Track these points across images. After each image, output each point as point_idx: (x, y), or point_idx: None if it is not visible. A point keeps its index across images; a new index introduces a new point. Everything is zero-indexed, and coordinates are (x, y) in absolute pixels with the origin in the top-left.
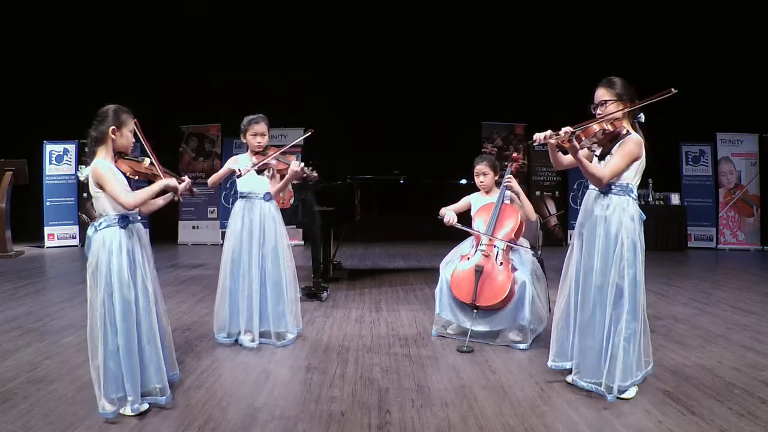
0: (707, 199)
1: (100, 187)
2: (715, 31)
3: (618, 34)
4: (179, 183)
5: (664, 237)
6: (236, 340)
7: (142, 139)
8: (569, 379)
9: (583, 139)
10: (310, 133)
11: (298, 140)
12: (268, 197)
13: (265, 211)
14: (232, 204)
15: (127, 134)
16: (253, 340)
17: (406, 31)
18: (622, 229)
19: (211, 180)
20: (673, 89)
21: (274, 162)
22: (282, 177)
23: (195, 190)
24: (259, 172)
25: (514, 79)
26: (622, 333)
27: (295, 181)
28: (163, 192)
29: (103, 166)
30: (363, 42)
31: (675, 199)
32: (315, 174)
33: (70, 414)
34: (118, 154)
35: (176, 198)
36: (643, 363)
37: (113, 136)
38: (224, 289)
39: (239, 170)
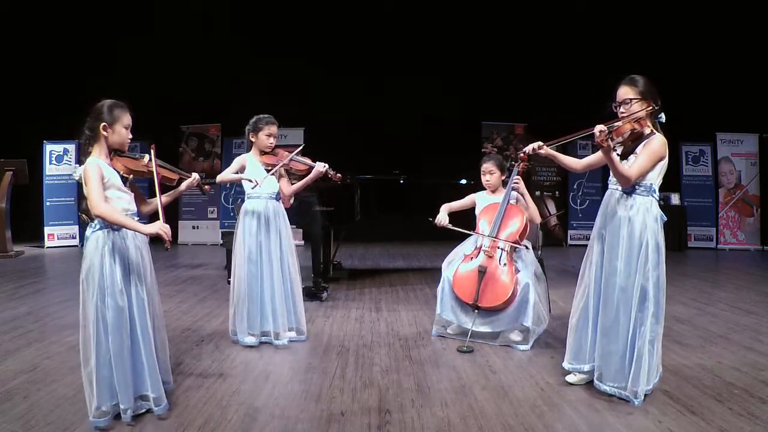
0: (707, 199)
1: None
2: (715, 32)
3: (618, 34)
4: (188, 179)
5: (664, 237)
6: (261, 341)
7: (154, 165)
8: (571, 379)
9: (614, 138)
10: (302, 146)
11: (292, 155)
12: (278, 196)
13: (278, 210)
14: (232, 204)
15: (120, 131)
16: (280, 338)
17: (406, 31)
18: (646, 231)
19: (219, 178)
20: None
21: (297, 164)
22: (296, 177)
23: (207, 187)
24: (269, 171)
25: (514, 79)
26: (646, 336)
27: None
28: (146, 233)
29: (91, 165)
30: (363, 42)
31: (675, 199)
32: (339, 175)
33: (70, 414)
34: (114, 152)
35: (165, 246)
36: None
37: (104, 133)
38: (243, 290)
39: (256, 181)
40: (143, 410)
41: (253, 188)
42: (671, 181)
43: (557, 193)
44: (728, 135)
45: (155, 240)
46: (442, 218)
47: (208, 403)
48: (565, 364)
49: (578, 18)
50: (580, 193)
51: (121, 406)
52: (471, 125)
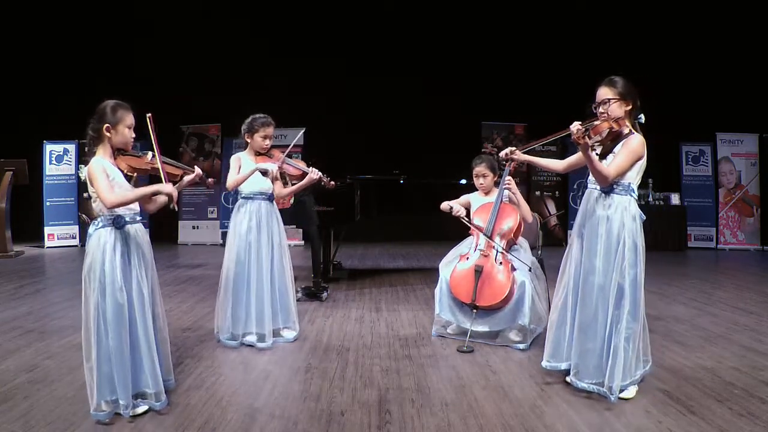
0: (707, 199)
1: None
2: (715, 32)
3: (618, 34)
4: (190, 175)
5: (664, 237)
6: (243, 342)
7: (152, 134)
8: (568, 379)
9: (591, 136)
10: (302, 131)
11: (294, 141)
12: (271, 197)
13: (271, 211)
14: (232, 204)
15: (123, 131)
16: (264, 340)
17: (407, 31)
18: (624, 229)
19: (233, 183)
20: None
21: (289, 168)
22: (285, 180)
23: (210, 180)
24: (264, 174)
25: (514, 79)
26: (622, 333)
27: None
28: (156, 193)
29: (95, 164)
30: (363, 42)
31: (675, 199)
32: (333, 183)
33: (70, 414)
34: (118, 151)
35: (171, 206)
36: (642, 362)
37: (108, 134)
38: (229, 290)
39: (271, 171)
40: (142, 406)
41: (268, 176)
42: (671, 181)
43: (557, 193)
44: (728, 135)
45: (156, 239)
46: (459, 209)
47: (208, 403)
48: (544, 363)
49: (578, 18)
50: (580, 193)
51: (120, 402)
52: (471, 125)
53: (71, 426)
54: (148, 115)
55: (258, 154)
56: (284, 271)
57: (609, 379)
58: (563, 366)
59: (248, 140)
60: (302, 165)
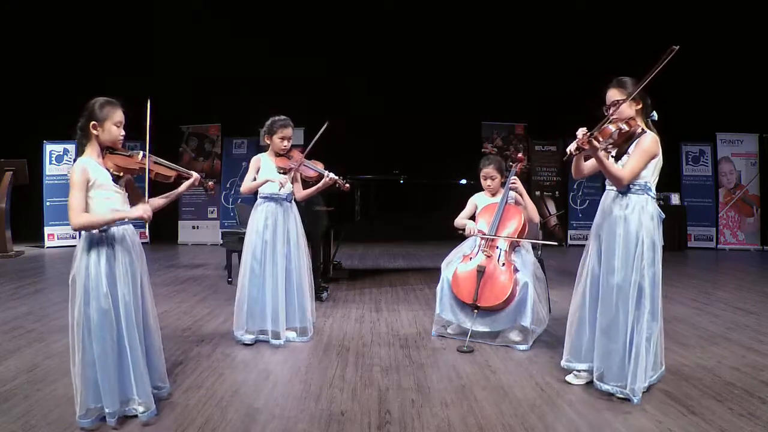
0: (707, 199)
1: None
2: (715, 31)
3: (618, 33)
4: (188, 180)
5: (664, 237)
6: (257, 340)
7: (148, 119)
8: (572, 379)
9: (600, 140)
10: (326, 125)
11: (303, 158)
12: (291, 198)
13: (289, 211)
14: (233, 204)
15: (110, 128)
16: (279, 338)
17: (406, 31)
18: (642, 229)
19: (247, 190)
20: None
21: (307, 170)
22: (304, 180)
23: (211, 184)
24: (283, 174)
25: (514, 79)
26: (643, 333)
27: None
28: (133, 218)
29: (76, 169)
30: (363, 42)
31: (675, 199)
32: (348, 185)
33: (70, 414)
34: (107, 149)
35: (144, 224)
36: (658, 364)
37: (94, 131)
38: (245, 287)
39: (281, 183)
40: (130, 415)
41: (279, 190)
42: (671, 181)
43: (557, 193)
44: (728, 135)
45: (156, 239)
46: (473, 227)
47: (208, 403)
48: (563, 363)
49: (578, 18)
50: (580, 193)
51: (106, 410)
52: (471, 125)
53: (71, 426)
54: (148, 102)
55: (278, 155)
56: (302, 271)
57: (631, 381)
58: (584, 366)
59: (268, 142)
60: (320, 167)
